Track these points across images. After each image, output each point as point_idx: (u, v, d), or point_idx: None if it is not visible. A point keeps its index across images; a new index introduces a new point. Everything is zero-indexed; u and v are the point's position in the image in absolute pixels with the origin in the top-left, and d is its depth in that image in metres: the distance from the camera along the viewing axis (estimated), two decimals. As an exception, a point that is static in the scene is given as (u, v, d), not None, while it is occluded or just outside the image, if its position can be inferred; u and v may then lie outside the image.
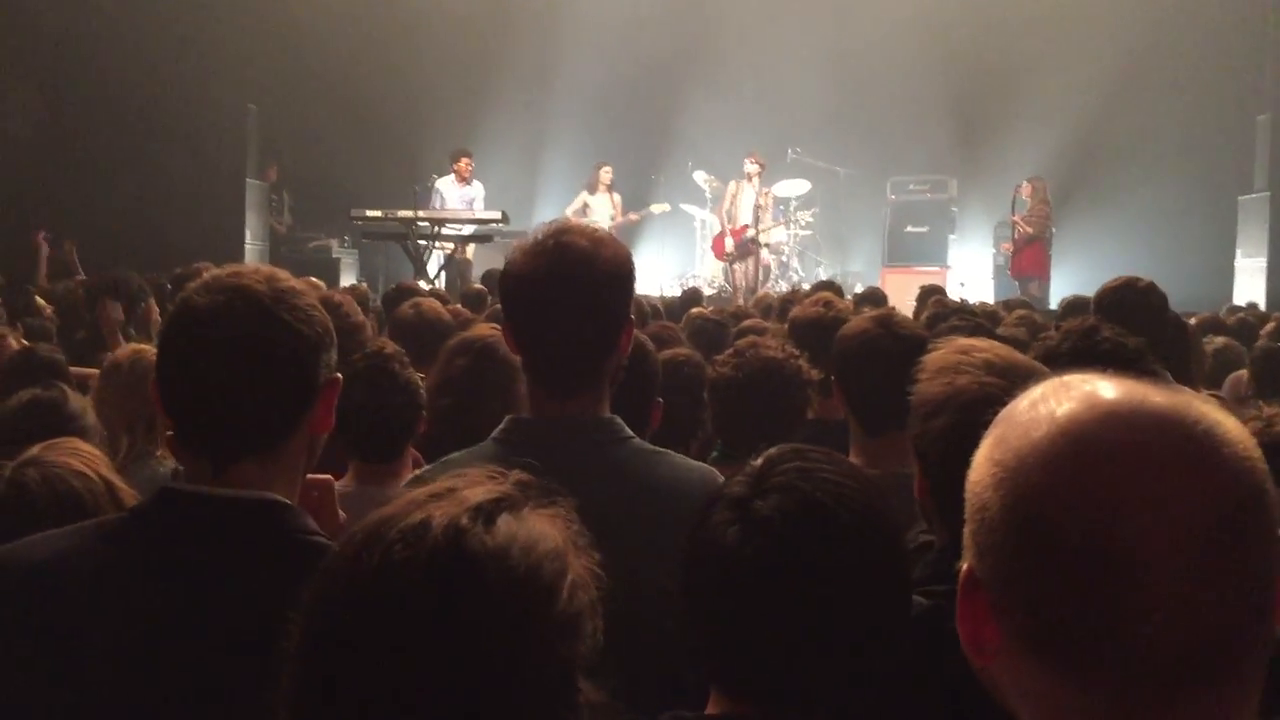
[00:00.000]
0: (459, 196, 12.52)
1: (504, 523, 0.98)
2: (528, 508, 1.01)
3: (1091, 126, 14.51)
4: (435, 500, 1.00)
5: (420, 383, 3.03)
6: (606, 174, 13.65)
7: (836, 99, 15.03)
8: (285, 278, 1.61)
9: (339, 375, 1.65)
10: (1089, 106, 14.41)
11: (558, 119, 15.58)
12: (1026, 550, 0.85)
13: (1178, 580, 0.80)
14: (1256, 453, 0.86)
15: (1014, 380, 1.68)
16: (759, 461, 1.41)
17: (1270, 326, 6.28)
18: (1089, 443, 0.85)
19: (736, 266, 13.50)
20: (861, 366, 2.70)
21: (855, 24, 15.13)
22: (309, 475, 1.87)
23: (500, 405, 2.89)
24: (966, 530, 0.92)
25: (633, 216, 13.86)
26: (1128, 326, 3.68)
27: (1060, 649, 0.84)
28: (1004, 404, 1.64)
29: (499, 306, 2.68)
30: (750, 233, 13.28)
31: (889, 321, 2.84)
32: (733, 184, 13.59)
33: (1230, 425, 0.86)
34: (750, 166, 13.40)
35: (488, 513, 0.98)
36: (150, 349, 3.43)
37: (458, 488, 1.02)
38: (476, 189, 12.74)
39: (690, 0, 15.40)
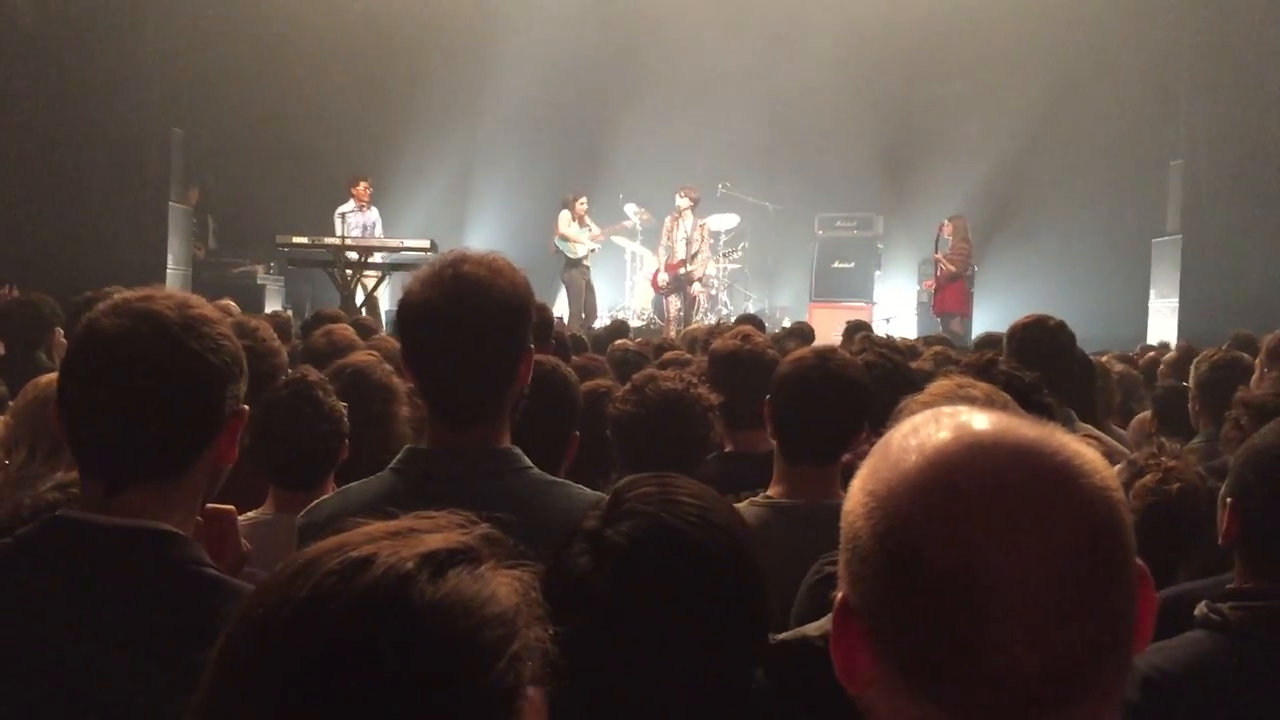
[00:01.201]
0: (359, 222, 12.52)
1: (454, 576, 0.89)
2: (488, 565, 0.92)
3: (1012, 168, 14.89)
4: (389, 538, 0.92)
5: (343, 411, 2.98)
6: (582, 205, 13.73)
7: (766, 135, 15.25)
8: (197, 304, 1.59)
9: (245, 407, 1.62)
10: (1010, 149, 14.79)
11: (487, 148, 15.59)
12: (893, 579, 0.86)
13: (1034, 609, 0.82)
14: (1115, 483, 0.88)
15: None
16: (609, 494, 1.41)
17: (1170, 356, 6.43)
18: (951, 473, 0.86)
19: (670, 300, 13.59)
20: (794, 398, 2.74)
21: (785, 63, 15.37)
22: (211, 505, 1.83)
23: (378, 429, 2.87)
24: (841, 560, 0.93)
25: (605, 230, 13.98)
26: (1037, 362, 3.79)
27: (926, 676, 0.85)
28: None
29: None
30: (685, 269, 13.38)
31: (828, 358, 2.88)
32: (668, 219, 13.71)
33: (1089, 456, 0.88)
34: (682, 200, 13.52)
35: (439, 562, 0.89)
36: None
37: (419, 529, 0.94)
38: (373, 214, 12.76)
39: (622, 34, 15.52)
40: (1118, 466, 2.58)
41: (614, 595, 1.31)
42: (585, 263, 13.60)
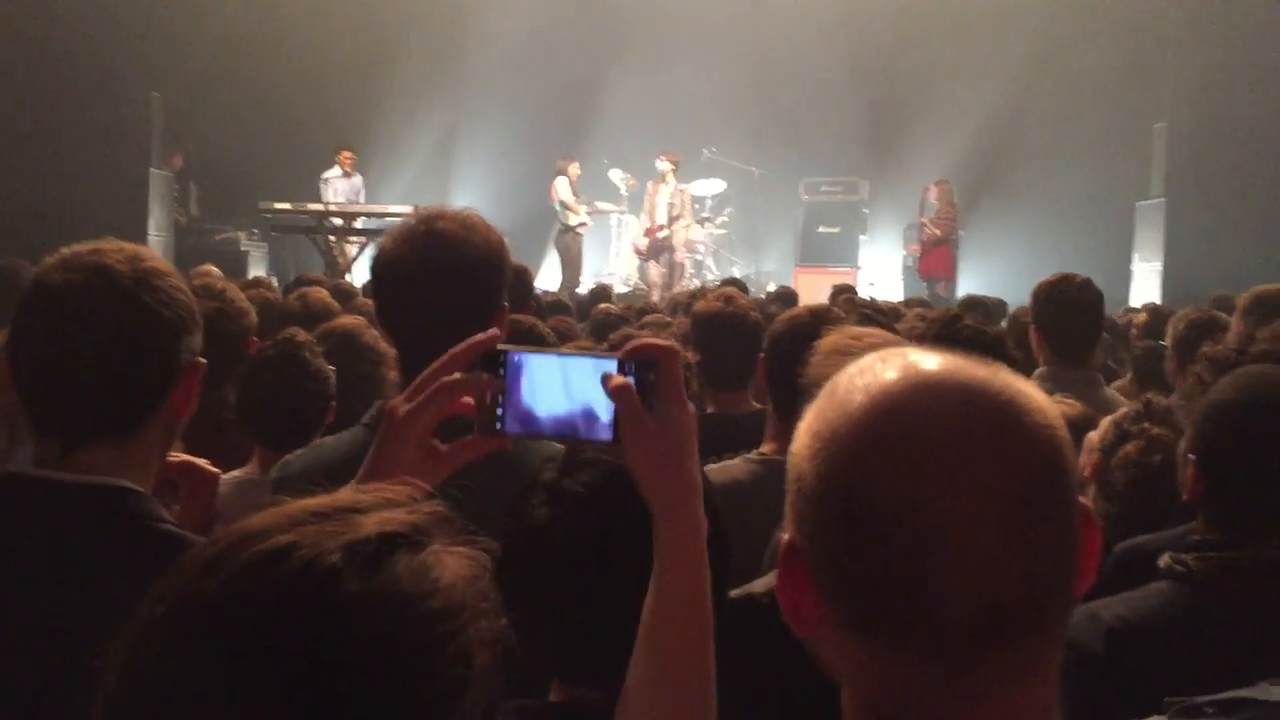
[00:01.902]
0: (347, 187, 12.51)
1: (388, 568, 0.79)
2: (433, 549, 0.82)
3: (997, 132, 14.87)
4: (317, 520, 0.81)
5: (331, 372, 2.98)
6: (575, 170, 13.69)
7: (752, 100, 15.18)
8: (149, 256, 1.57)
9: (202, 360, 1.61)
10: (994, 112, 14.76)
11: (471, 113, 15.49)
12: (838, 518, 0.87)
13: (974, 548, 0.82)
14: (1059, 423, 0.89)
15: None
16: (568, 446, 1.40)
17: (1141, 319, 6.45)
18: (896, 412, 0.87)
19: (651, 265, 13.56)
20: (787, 353, 2.75)
21: (770, 27, 15.29)
22: (190, 461, 1.83)
23: (366, 392, 2.87)
24: (787, 501, 0.93)
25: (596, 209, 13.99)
26: (1065, 321, 3.76)
27: (871, 616, 0.86)
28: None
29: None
30: (664, 232, 13.35)
31: (823, 316, 2.90)
32: (649, 184, 13.65)
33: (1033, 395, 0.89)
34: (662, 165, 13.48)
35: (370, 552, 0.79)
36: None
37: (359, 506, 0.83)
38: (357, 181, 12.75)
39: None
40: (1101, 425, 2.58)
41: (572, 545, 1.31)
42: (579, 230, 13.57)
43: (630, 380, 1.18)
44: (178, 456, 1.81)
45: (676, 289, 11.83)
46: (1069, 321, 3.87)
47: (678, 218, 13.27)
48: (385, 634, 0.77)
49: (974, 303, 5.59)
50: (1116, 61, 14.20)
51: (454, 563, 0.82)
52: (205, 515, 1.86)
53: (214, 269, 6.60)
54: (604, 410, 1.19)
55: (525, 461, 1.87)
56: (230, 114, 14.36)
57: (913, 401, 0.87)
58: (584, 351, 1.30)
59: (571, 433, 1.21)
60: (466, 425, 1.23)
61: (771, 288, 11.06)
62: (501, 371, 1.19)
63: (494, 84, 15.24)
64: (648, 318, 5.30)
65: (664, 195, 13.50)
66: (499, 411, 1.19)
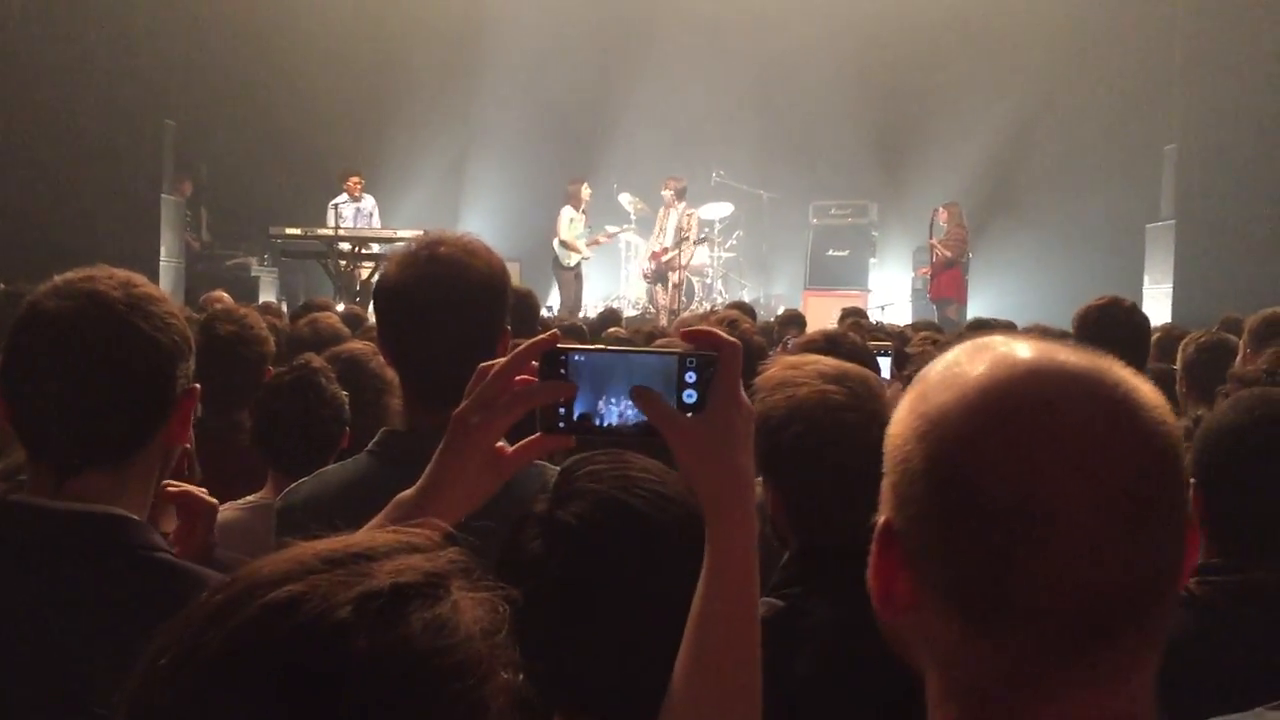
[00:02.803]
0: (353, 212, 12.59)
1: (402, 622, 0.75)
2: (451, 600, 0.77)
3: (1006, 154, 14.87)
4: (329, 567, 0.77)
5: (345, 398, 2.99)
6: (586, 191, 13.73)
7: (760, 124, 15.23)
8: (141, 282, 1.55)
9: (196, 385, 1.60)
10: (1004, 135, 14.77)
11: (481, 138, 15.56)
12: (944, 504, 0.86)
13: (1087, 540, 0.82)
14: (1172, 419, 0.88)
15: (849, 385, 1.74)
16: (559, 473, 1.39)
17: (1154, 338, 6.40)
18: (1010, 398, 0.86)
19: (657, 288, 13.60)
20: None
21: (779, 51, 15.34)
22: (190, 491, 1.83)
23: (371, 419, 2.88)
24: (886, 482, 0.93)
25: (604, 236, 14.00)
26: (1112, 346, 3.73)
27: (974, 603, 0.85)
28: (844, 408, 1.70)
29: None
30: (668, 255, 13.40)
31: (838, 341, 2.93)
32: (661, 209, 13.72)
33: (1146, 390, 0.89)
34: (665, 192, 13.59)
35: (387, 601, 0.75)
36: None
37: (375, 552, 0.79)
38: (369, 202, 12.82)
39: (614, 22, 15.49)
40: None
41: (567, 577, 1.29)
42: (578, 268, 13.69)
43: (690, 378, 1.18)
44: (176, 485, 1.80)
45: (684, 313, 11.84)
46: (1117, 345, 3.84)
47: (684, 240, 13.31)
48: (395, 694, 0.73)
49: (982, 326, 5.58)
50: (1127, 84, 14.22)
51: (472, 614, 0.78)
52: (203, 545, 1.84)
53: (225, 295, 6.64)
54: None
55: (519, 488, 1.87)
56: (241, 140, 14.46)
57: (1030, 387, 0.86)
58: (645, 350, 1.29)
59: (633, 433, 1.20)
60: (528, 425, 1.23)
61: (781, 311, 11.07)
62: (563, 371, 1.20)
63: (504, 108, 15.30)
64: (657, 342, 5.30)
65: (673, 219, 13.56)
66: (561, 411, 1.19)
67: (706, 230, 14.10)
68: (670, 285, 13.40)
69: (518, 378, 1.21)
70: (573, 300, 13.39)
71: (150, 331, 1.49)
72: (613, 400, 1.20)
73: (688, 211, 13.58)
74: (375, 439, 2.03)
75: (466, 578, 0.81)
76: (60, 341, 1.46)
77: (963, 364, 0.91)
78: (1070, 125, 14.81)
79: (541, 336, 1.22)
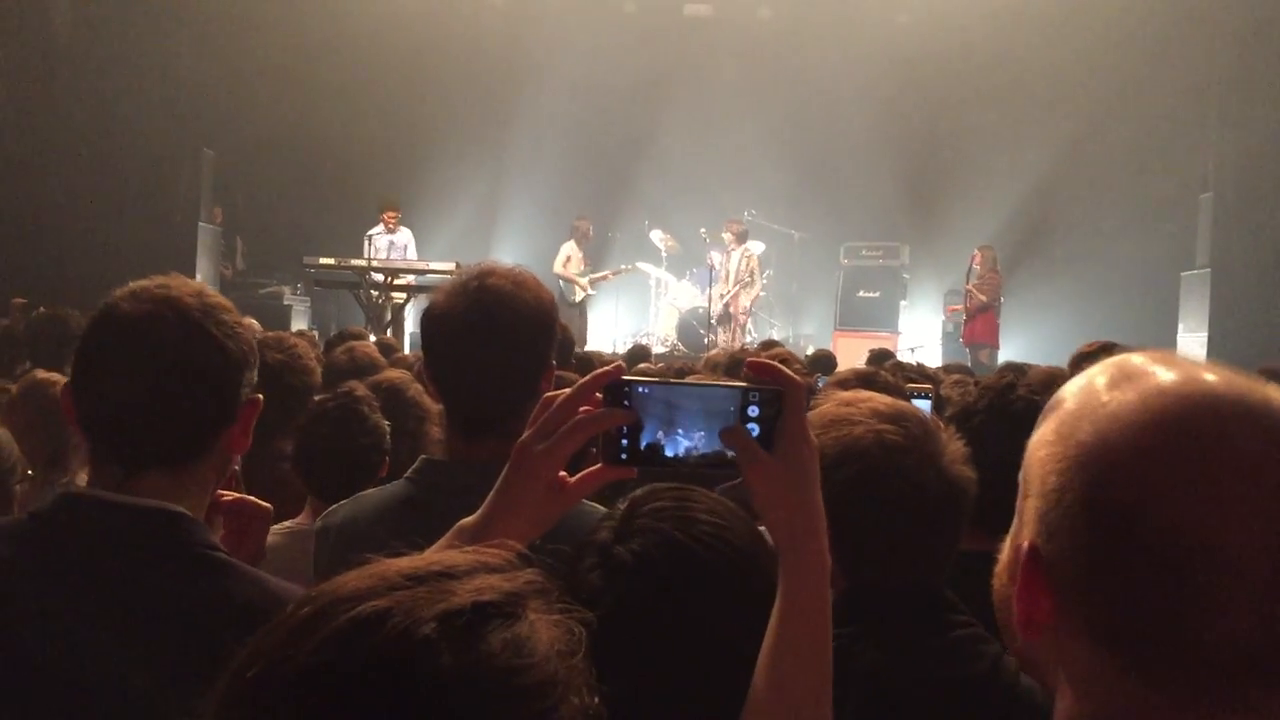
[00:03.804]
0: (389, 244, 12.70)
1: (483, 640, 0.76)
2: (528, 621, 0.78)
3: (1040, 199, 14.85)
4: (412, 584, 0.78)
5: (387, 428, 3.01)
6: (586, 225, 13.89)
7: (793, 164, 15.27)
8: (214, 294, 1.59)
9: (259, 396, 1.62)
10: (1037, 180, 14.75)
11: (514, 172, 15.68)
12: (1104, 535, 0.84)
13: (1260, 582, 0.79)
14: None
15: (905, 425, 1.71)
16: (625, 504, 1.38)
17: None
18: (1179, 428, 0.83)
19: (720, 329, 13.72)
20: None
21: (813, 92, 15.42)
22: (242, 498, 1.84)
23: (409, 447, 2.88)
24: (1030, 506, 0.90)
25: (610, 274, 14.13)
26: None
27: (1129, 639, 0.83)
28: (901, 450, 1.67)
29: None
30: (725, 296, 13.66)
31: (872, 380, 2.91)
32: (721, 254, 13.97)
33: None
34: (727, 234, 13.83)
35: (464, 624, 0.76)
36: (51, 379, 3.41)
37: (456, 571, 0.80)
38: (405, 235, 12.94)
39: (649, 61, 15.61)
40: None
41: (622, 613, 1.27)
42: (584, 304, 13.87)
43: (752, 412, 1.18)
44: (230, 494, 1.82)
45: (714, 350, 11.85)
46: None
47: (745, 282, 13.58)
48: (475, 711, 0.74)
49: (1014, 368, 5.52)
50: (1162, 130, 14.19)
51: (549, 635, 0.79)
52: (257, 549, 1.86)
53: (254, 322, 6.66)
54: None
55: (572, 520, 1.86)
56: (277, 171, 14.63)
57: (1197, 418, 0.84)
58: (709, 383, 1.28)
59: (697, 465, 1.20)
60: (589, 456, 1.23)
61: (810, 351, 11.04)
62: (626, 403, 1.19)
63: (538, 143, 15.42)
64: (689, 378, 5.28)
65: (734, 261, 13.81)
66: (623, 442, 1.19)
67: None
68: (732, 325, 13.61)
69: (581, 409, 1.20)
70: (579, 335, 13.48)
71: (221, 338, 1.53)
72: (677, 432, 1.19)
73: (746, 253, 13.77)
74: (414, 466, 2.03)
75: (543, 599, 0.81)
76: (133, 342, 1.49)
77: (1122, 387, 0.88)
78: (1104, 171, 14.77)
79: (606, 368, 1.22)
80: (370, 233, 12.78)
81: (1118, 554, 0.83)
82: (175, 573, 1.42)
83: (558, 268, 13.64)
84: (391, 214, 12.89)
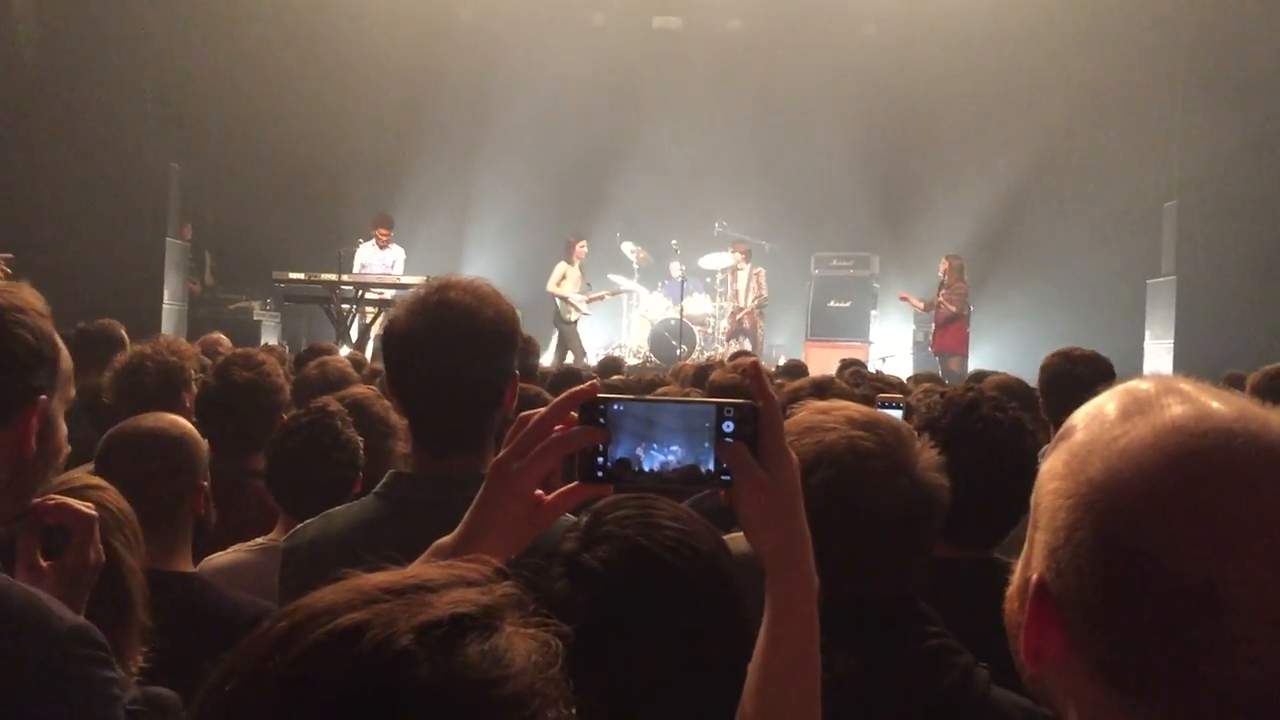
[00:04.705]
0: (380, 261, 12.62)
1: (460, 652, 0.76)
2: (505, 633, 0.79)
3: (1008, 208, 14.97)
4: (390, 597, 0.78)
5: (360, 443, 2.99)
6: (582, 248, 13.95)
7: (763, 175, 15.34)
8: (11, 291, 1.55)
9: (44, 398, 1.56)
10: (1006, 189, 14.88)
11: (485, 186, 15.66)
12: (1114, 576, 0.83)
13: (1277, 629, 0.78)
14: None
15: (879, 432, 1.72)
16: (588, 515, 1.39)
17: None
18: (1193, 469, 0.82)
19: (733, 344, 13.78)
20: None
21: (782, 103, 15.51)
22: (62, 501, 1.75)
23: (375, 463, 2.86)
24: (1041, 539, 0.89)
25: (597, 296, 14.26)
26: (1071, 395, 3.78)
27: (1137, 679, 0.82)
28: (873, 455, 1.68)
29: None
30: (741, 314, 14.13)
31: (826, 388, 2.92)
32: (729, 273, 14.46)
33: None
34: (736, 254, 14.32)
35: (441, 635, 0.76)
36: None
37: (433, 584, 0.80)
38: (397, 252, 12.88)
39: (620, 74, 15.65)
40: None
41: (591, 620, 1.28)
42: (577, 323, 13.98)
43: (727, 428, 1.19)
44: (53, 498, 1.74)
45: (681, 362, 11.86)
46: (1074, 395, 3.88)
47: (758, 300, 14.10)
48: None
49: (980, 376, 5.58)
50: (1128, 140, 14.35)
51: (525, 647, 0.79)
52: (77, 561, 1.73)
53: (223, 337, 6.62)
54: (705, 458, 1.19)
55: (546, 538, 1.86)
56: (246, 185, 14.54)
57: (1214, 460, 0.82)
58: (684, 399, 1.29)
59: (672, 480, 1.21)
60: (566, 473, 1.23)
61: (781, 361, 11.07)
62: (602, 420, 1.20)
63: (508, 157, 15.40)
64: (659, 390, 5.28)
65: (743, 280, 14.21)
66: (599, 460, 1.20)
67: (709, 279, 14.42)
68: (754, 339, 13.99)
69: (556, 427, 1.20)
70: (578, 352, 13.52)
71: (13, 327, 1.50)
72: (652, 448, 1.20)
73: (754, 272, 14.13)
74: (383, 481, 2.02)
75: (520, 611, 0.82)
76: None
77: (1134, 420, 0.86)
78: (1071, 180, 14.94)
79: (581, 386, 1.22)
80: (360, 245, 12.65)
81: (1129, 596, 0.81)
82: None
83: (551, 286, 13.67)
84: (385, 230, 12.80)
